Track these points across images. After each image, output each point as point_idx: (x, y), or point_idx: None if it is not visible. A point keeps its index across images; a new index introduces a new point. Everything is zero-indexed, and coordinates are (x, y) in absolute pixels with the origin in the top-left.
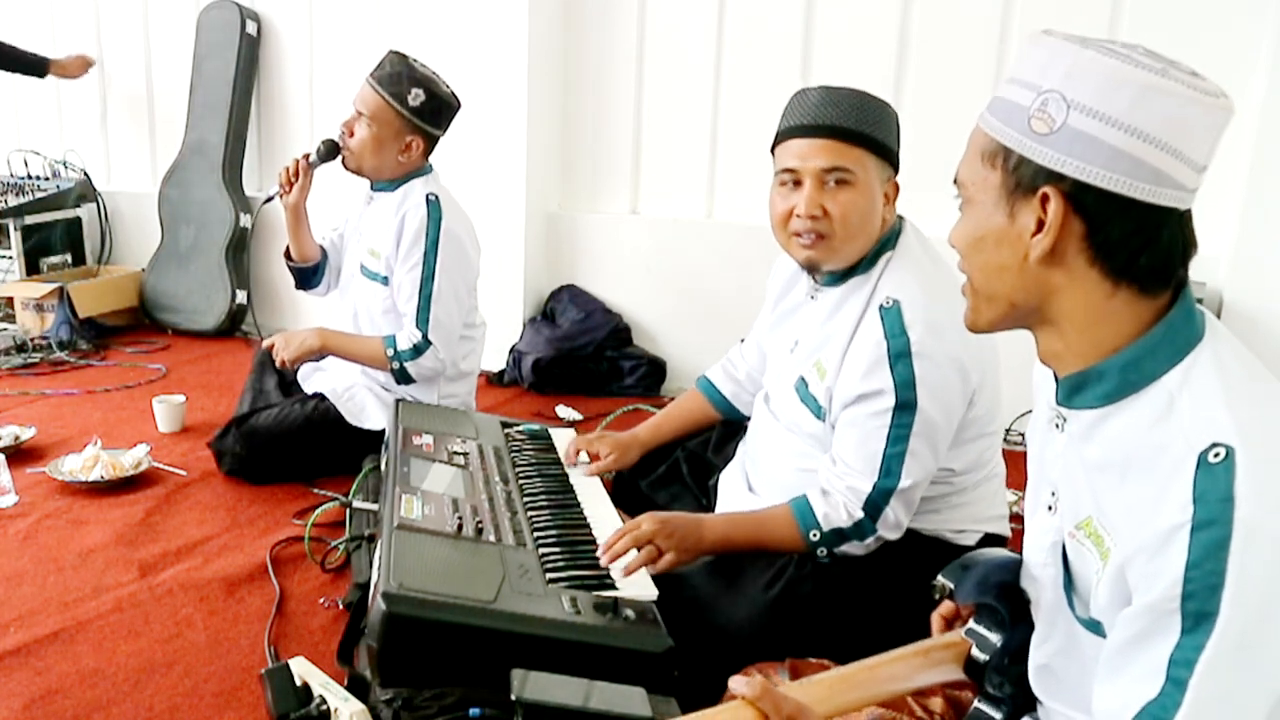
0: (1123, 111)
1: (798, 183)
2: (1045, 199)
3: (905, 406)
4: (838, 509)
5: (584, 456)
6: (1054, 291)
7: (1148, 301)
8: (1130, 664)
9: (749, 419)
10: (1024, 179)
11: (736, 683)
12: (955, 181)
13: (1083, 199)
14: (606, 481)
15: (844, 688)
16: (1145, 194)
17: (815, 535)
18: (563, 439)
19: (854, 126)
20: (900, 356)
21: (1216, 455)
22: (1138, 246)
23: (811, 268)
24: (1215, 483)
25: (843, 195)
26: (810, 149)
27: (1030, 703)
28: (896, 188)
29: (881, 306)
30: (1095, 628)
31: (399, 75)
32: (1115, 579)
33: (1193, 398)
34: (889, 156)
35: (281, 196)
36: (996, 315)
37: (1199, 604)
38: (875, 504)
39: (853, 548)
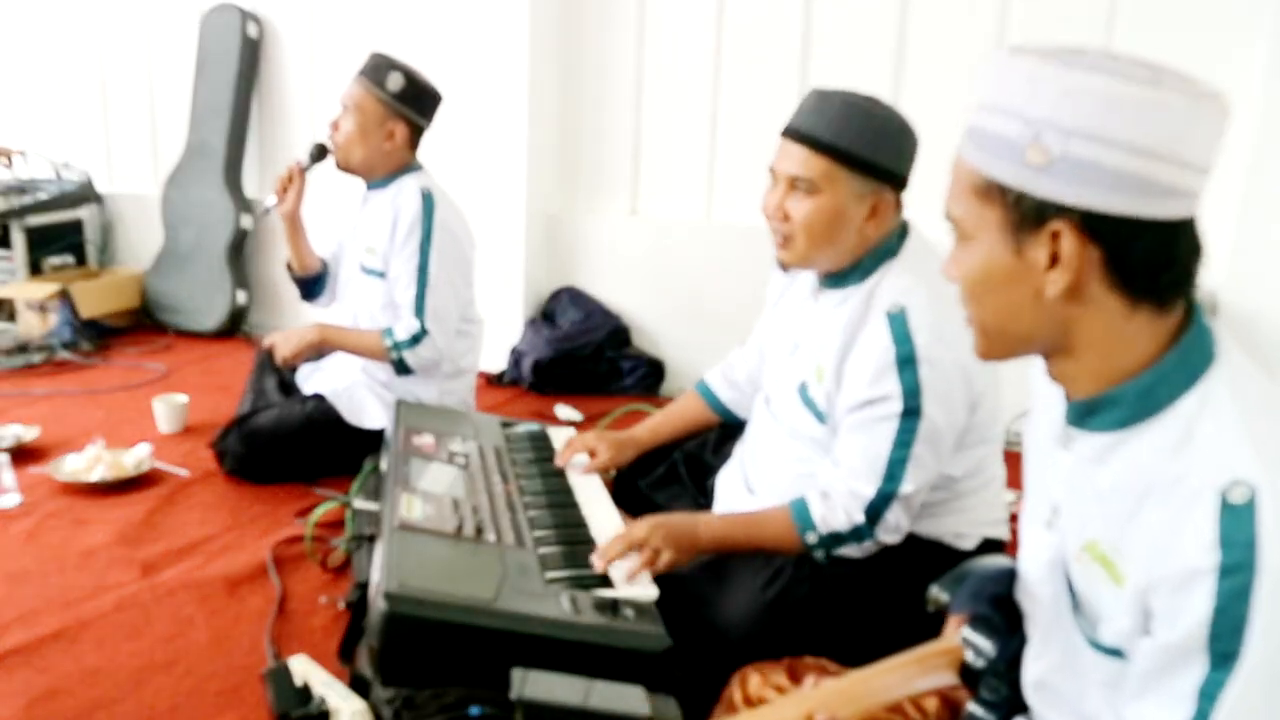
0: (1122, 130)
1: (776, 182)
2: (1056, 234)
3: (911, 412)
4: (835, 512)
5: (581, 456)
6: (1073, 322)
7: (1164, 319)
8: (1160, 688)
9: (747, 422)
10: (1028, 214)
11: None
12: (947, 217)
13: (1096, 227)
14: (607, 481)
15: (840, 701)
16: (1157, 210)
17: (812, 538)
18: (562, 439)
19: (828, 139)
20: (907, 362)
21: (1240, 494)
22: (1159, 264)
23: (782, 265)
24: (1240, 525)
25: (806, 203)
26: (785, 152)
27: (1025, 706)
28: (888, 204)
29: (888, 313)
30: (1112, 653)
31: (378, 65)
32: (1136, 605)
33: (1211, 428)
34: (872, 172)
35: (279, 205)
36: (1010, 350)
37: (1224, 644)
38: (876, 509)
39: (850, 550)
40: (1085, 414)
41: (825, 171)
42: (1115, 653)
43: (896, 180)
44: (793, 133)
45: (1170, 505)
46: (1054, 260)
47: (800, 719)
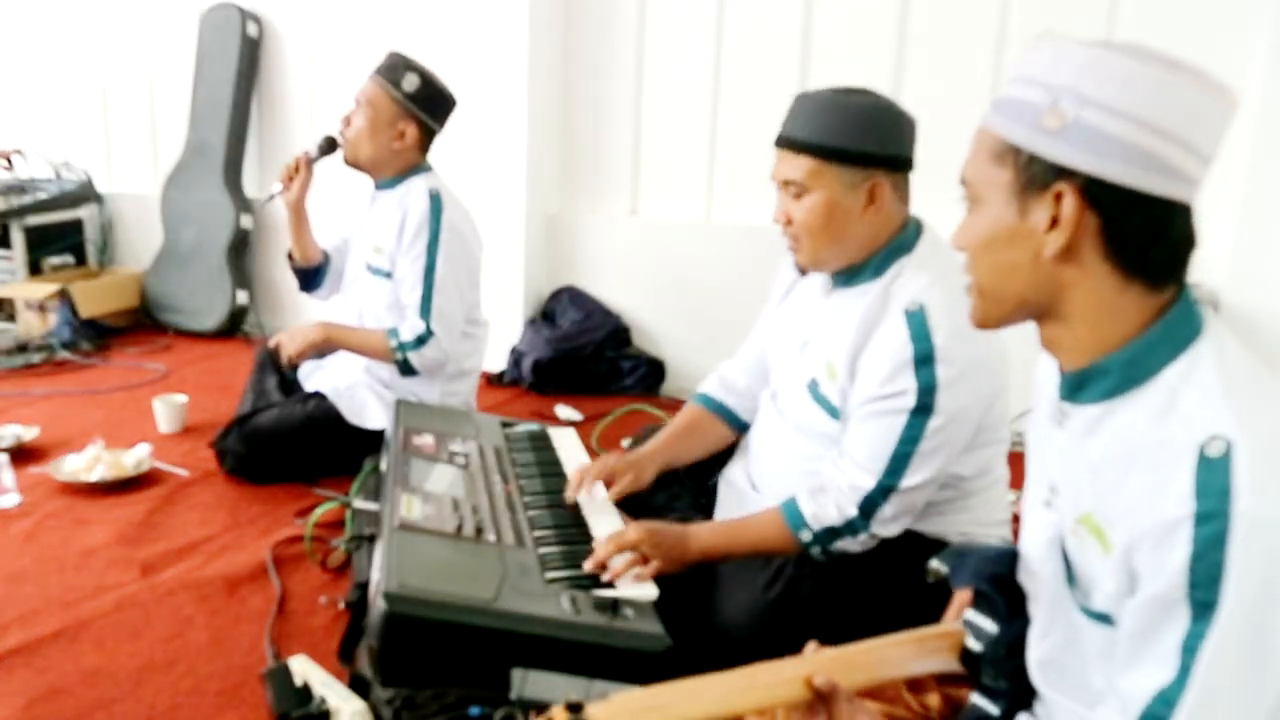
0: (1135, 105)
1: (778, 191)
2: (1059, 196)
3: (923, 409)
4: (827, 507)
5: (599, 488)
6: (1066, 288)
7: (1155, 297)
8: (1147, 650)
9: (747, 425)
10: (1036, 176)
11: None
12: (962, 182)
13: (1097, 194)
14: (606, 481)
15: (837, 668)
16: (1158, 187)
17: (806, 536)
18: (563, 439)
19: (805, 137)
20: (924, 361)
21: (1216, 448)
22: (1150, 240)
23: (801, 269)
24: (1215, 476)
25: (801, 204)
26: (777, 160)
27: (1027, 697)
28: (885, 188)
29: (907, 310)
30: (1103, 619)
31: (395, 64)
32: (1122, 567)
33: (1194, 392)
34: (857, 159)
35: (283, 194)
36: (1005, 314)
37: (1203, 594)
38: (873, 501)
39: (848, 545)
40: (1076, 387)
41: (810, 169)
42: (1105, 619)
43: (888, 162)
44: (779, 140)
45: (1154, 469)
46: (1054, 222)
47: (799, 680)
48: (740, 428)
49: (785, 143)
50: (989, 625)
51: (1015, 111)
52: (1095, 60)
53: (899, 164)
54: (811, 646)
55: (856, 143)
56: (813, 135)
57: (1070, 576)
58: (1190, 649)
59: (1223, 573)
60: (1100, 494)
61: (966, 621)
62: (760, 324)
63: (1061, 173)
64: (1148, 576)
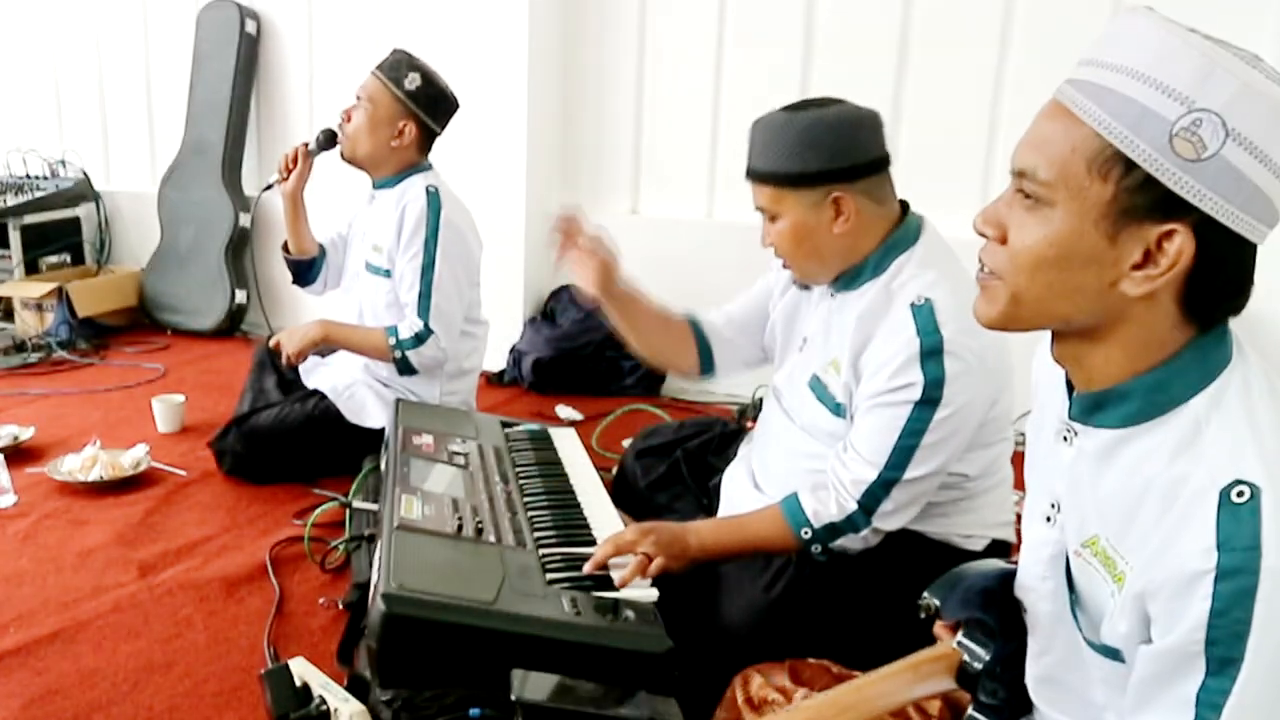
0: (1277, 148)
1: None
2: (1169, 235)
3: (928, 402)
4: (827, 504)
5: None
6: (1122, 320)
7: (1198, 328)
8: (1160, 695)
9: (714, 371)
10: (1144, 204)
11: None
12: (1019, 172)
13: (1210, 238)
14: (607, 482)
15: (833, 711)
16: (1257, 235)
17: (807, 533)
18: (563, 439)
19: (760, 168)
20: (933, 354)
21: (1240, 495)
22: (1233, 289)
23: (801, 285)
24: (1240, 527)
25: (776, 228)
26: (752, 190)
27: (1025, 708)
28: (849, 199)
29: (913, 305)
30: (1111, 653)
31: (399, 62)
32: (1134, 608)
33: (1218, 429)
34: (810, 180)
35: (280, 184)
36: (1034, 325)
37: (1223, 650)
38: (874, 494)
39: (849, 542)
40: (1091, 408)
41: (772, 197)
42: (1114, 654)
43: (844, 174)
44: (745, 173)
45: (1172, 507)
46: (1146, 257)
47: None
48: (703, 363)
49: (749, 174)
50: (983, 648)
51: (1136, 121)
52: (1256, 88)
53: (859, 171)
54: (801, 693)
55: (806, 164)
56: (766, 164)
57: (1074, 599)
58: (1206, 703)
59: (1248, 629)
60: (1111, 521)
61: (961, 643)
62: (758, 287)
63: (1178, 207)
64: (1162, 625)
